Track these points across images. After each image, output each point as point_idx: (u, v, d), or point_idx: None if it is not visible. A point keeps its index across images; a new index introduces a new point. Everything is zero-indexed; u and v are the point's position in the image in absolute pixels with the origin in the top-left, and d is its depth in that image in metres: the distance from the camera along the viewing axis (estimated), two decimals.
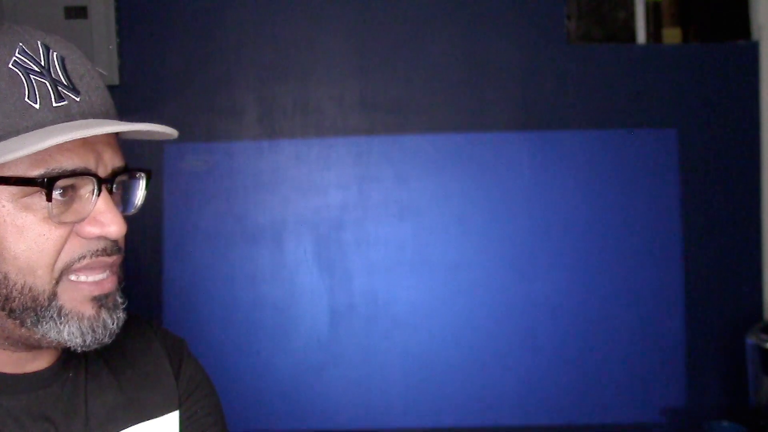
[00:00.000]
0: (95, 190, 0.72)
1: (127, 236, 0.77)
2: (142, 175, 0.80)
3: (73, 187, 0.72)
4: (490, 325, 2.38)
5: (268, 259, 2.36)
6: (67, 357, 0.82)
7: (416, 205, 2.37)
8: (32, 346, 0.76)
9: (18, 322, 0.72)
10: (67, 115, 0.71)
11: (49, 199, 0.69)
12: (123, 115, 0.79)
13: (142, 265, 2.30)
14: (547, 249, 2.37)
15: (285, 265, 2.36)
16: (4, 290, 0.71)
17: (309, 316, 2.37)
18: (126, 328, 0.86)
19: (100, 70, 0.78)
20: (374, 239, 2.37)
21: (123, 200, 0.80)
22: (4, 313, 0.72)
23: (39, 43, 0.72)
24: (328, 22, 2.35)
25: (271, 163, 2.36)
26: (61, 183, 0.70)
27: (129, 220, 0.78)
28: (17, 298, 0.71)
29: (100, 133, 0.69)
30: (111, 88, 0.80)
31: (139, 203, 0.81)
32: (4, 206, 0.69)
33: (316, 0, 2.35)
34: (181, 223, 2.32)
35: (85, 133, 0.67)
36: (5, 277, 0.71)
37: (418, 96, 2.36)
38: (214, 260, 2.35)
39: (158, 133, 0.75)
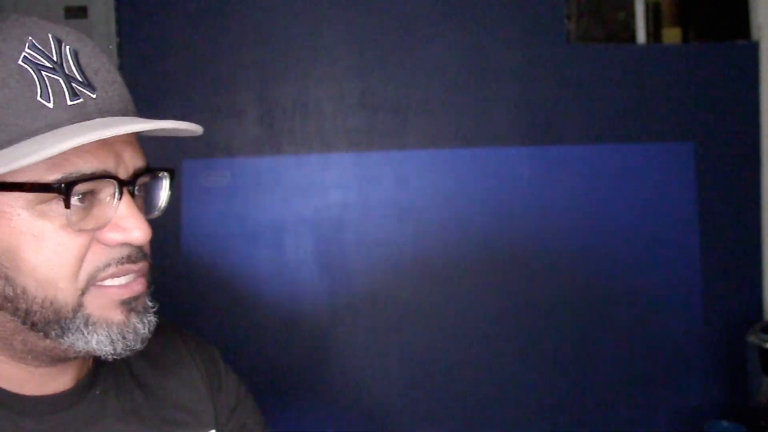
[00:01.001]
0: (116, 194, 0.66)
1: (151, 240, 0.71)
2: (165, 174, 0.74)
3: (92, 192, 0.66)
4: (489, 326, 2.38)
5: (268, 259, 2.36)
6: (94, 372, 0.77)
7: (416, 205, 2.37)
8: (57, 359, 0.71)
9: (41, 334, 0.67)
10: (83, 114, 0.65)
11: (67, 205, 0.63)
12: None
13: None
14: (547, 249, 2.37)
15: (285, 265, 2.36)
16: (24, 305, 0.65)
17: (309, 316, 2.37)
18: (156, 337, 0.80)
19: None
20: (374, 239, 2.37)
21: (145, 202, 0.74)
22: (26, 326, 0.66)
23: (50, 35, 0.66)
24: (328, 22, 2.35)
25: (271, 163, 2.36)
26: (79, 188, 0.64)
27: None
28: (39, 312, 0.66)
29: (122, 133, 0.63)
30: None
31: (163, 205, 0.75)
32: (19, 215, 0.64)
33: (316, 0, 2.35)
34: (180, 223, 2.32)
35: (104, 134, 0.61)
36: (24, 291, 0.65)
37: (418, 96, 2.36)
38: (214, 260, 2.35)
39: (181, 130, 0.70)
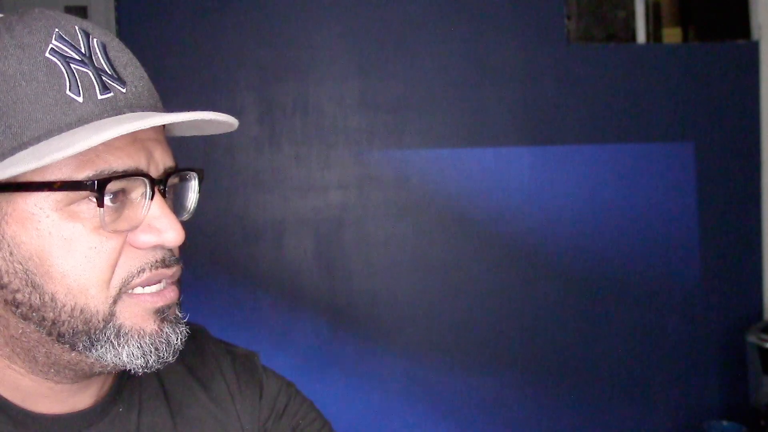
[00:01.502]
0: (148, 193, 0.62)
1: (184, 243, 0.67)
2: (194, 175, 0.70)
3: (123, 191, 0.62)
4: (489, 326, 2.38)
5: (268, 259, 2.36)
6: (116, 389, 0.72)
7: (416, 205, 2.37)
8: (81, 374, 0.66)
9: (67, 346, 0.62)
10: (113, 108, 0.61)
11: (100, 204, 0.59)
12: None
13: None
14: (547, 248, 2.37)
15: (285, 265, 2.36)
16: (51, 314, 0.61)
17: (309, 316, 2.37)
18: (193, 346, 0.75)
19: None
20: (374, 239, 2.37)
21: (175, 204, 0.70)
22: (51, 338, 0.62)
23: (77, 28, 0.62)
24: (328, 22, 2.35)
25: (271, 163, 2.36)
26: (112, 186, 0.60)
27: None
28: (66, 322, 0.61)
29: (160, 123, 0.59)
30: None
31: (193, 207, 0.70)
32: (48, 216, 0.59)
33: (316, 0, 2.35)
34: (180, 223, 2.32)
35: (140, 125, 0.57)
36: (52, 299, 0.60)
37: (418, 96, 2.36)
38: (214, 260, 2.35)
39: (213, 126, 0.66)
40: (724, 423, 2.27)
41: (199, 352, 0.82)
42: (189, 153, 2.30)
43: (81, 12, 2.25)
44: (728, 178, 2.39)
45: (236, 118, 0.68)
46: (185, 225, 0.66)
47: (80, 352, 0.62)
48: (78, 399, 0.69)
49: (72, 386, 0.67)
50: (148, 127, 0.58)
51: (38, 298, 0.61)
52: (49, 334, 0.61)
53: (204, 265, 2.35)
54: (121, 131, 0.56)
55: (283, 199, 2.37)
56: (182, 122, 0.63)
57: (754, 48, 2.39)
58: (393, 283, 2.37)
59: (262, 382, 0.85)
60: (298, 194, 2.37)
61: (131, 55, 0.66)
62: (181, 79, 2.33)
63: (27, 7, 0.65)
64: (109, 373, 0.68)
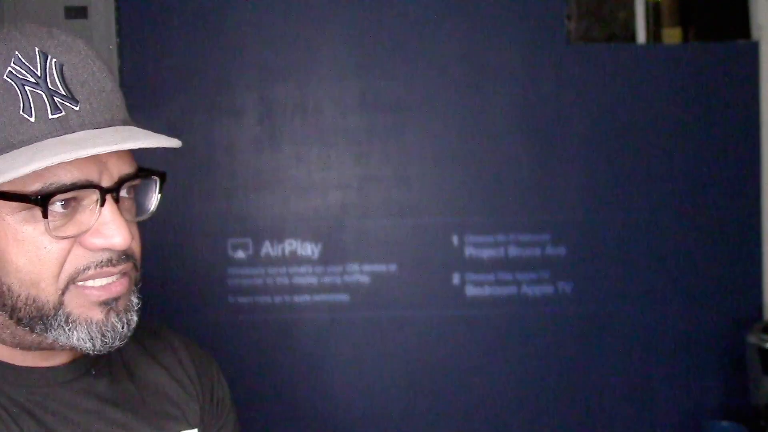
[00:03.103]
0: (99, 201, 0.69)
1: (141, 240, 0.75)
2: (156, 178, 0.77)
3: (75, 199, 0.69)
4: (489, 326, 2.38)
5: (268, 259, 2.36)
6: (88, 356, 0.79)
7: (416, 205, 2.37)
8: (46, 349, 0.75)
9: (27, 329, 0.71)
10: (64, 127, 0.67)
11: (44, 215, 0.67)
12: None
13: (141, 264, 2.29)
14: (546, 248, 2.37)
15: (285, 265, 2.36)
16: (10, 301, 0.70)
17: (309, 316, 2.37)
18: (154, 337, 0.86)
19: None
20: (374, 239, 2.37)
21: (137, 204, 0.77)
22: (13, 321, 0.71)
23: (36, 50, 0.68)
24: (328, 22, 2.35)
25: (271, 163, 2.36)
26: (60, 197, 0.68)
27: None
28: (23, 309, 0.70)
29: (92, 154, 0.65)
30: None
31: (152, 208, 0.77)
32: (4, 219, 0.68)
33: (316, 0, 2.35)
34: (181, 223, 2.32)
35: (70, 156, 0.64)
36: (9, 289, 0.70)
37: (418, 96, 2.36)
38: (214, 260, 2.35)
39: (159, 147, 0.71)
40: (724, 423, 2.27)
41: (165, 343, 0.91)
42: (189, 153, 2.30)
43: (81, 12, 2.25)
44: (728, 179, 2.39)
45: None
46: (145, 225, 0.74)
47: (39, 334, 0.71)
48: (54, 360, 0.77)
49: (43, 353, 0.76)
50: (81, 156, 0.64)
51: None
52: (11, 317, 0.71)
53: (203, 265, 2.35)
54: (54, 161, 0.63)
55: (283, 199, 2.37)
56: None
57: (754, 48, 2.38)
58: (393, 283, 2.37)
59: (214, 384, 0.93)
60: (298, 194, 2.37)
61: (96, 68, 0.71)
62: (181, 79, 2.33)
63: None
64: (70, 350, 0.76)
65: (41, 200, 0.66)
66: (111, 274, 0.72)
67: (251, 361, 2.34)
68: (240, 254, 2.35)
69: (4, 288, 0.70)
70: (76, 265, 0.70)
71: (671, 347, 2.39)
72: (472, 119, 2.37)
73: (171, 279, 2.31)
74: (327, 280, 2.36)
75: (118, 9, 2.29)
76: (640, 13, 2.42)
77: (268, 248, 2.36)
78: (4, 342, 0.74)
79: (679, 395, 2.39)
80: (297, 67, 2.35)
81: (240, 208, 2.36)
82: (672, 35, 2.44)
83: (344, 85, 2.36)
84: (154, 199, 0.77)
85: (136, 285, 0.76)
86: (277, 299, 2.36)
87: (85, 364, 0.80)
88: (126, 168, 0.72)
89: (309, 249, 2.36)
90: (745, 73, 2.38)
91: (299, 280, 2.36)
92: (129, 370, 0.85)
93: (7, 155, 0.66)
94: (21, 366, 0.75)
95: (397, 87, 2.36)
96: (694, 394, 2.39)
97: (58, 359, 0.78)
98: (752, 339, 2.16)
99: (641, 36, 2.42)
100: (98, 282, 0.72)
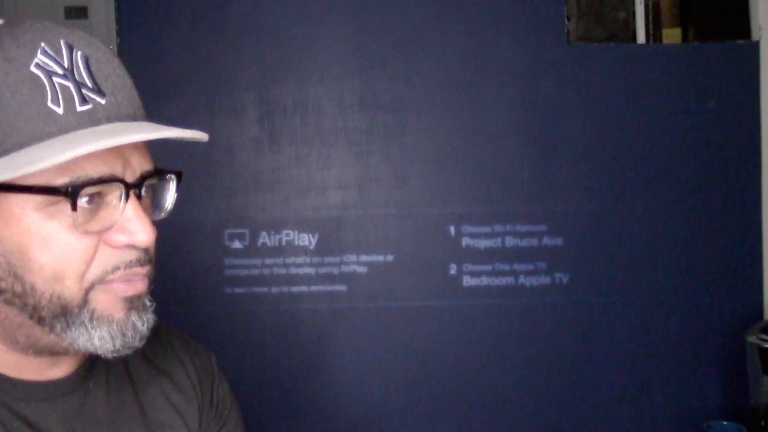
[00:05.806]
0: (123, 197, 0.69)
1: (156, 241, 0.74)
2: (173, 177, 0.77)
3: (99, 194, 0.68)
4: (489, 326, 2.38)
5: (268, 259, 2.36)
6: (89, 366, 0.80)
7: (416, 205, 2.37)
8: (57, 353, 0.73)
9: (47, 328, 0.69)
10: (92, 120, 0.67)
11: (74, 208, 0.65)
12: None
13: None
14: (544, 239, 2.37)
15: (285, 265, 2.36)
16: (32, 300, 0.68)
17: (309, 316, 2.37)
18: (154, 338, 0.84)
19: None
20: (374, 239, 2.37)
21: (153, 204, 0.77)
22: (33, 321, 0.69)
23: (62, 42, 0.67)
24: (328, 22, 2.35)
25: (271, 163, 2.36)
26: (87, 191, 0.66)
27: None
28: (47, 307, 0.68)
29: (127, 142, 0.65)
30: None
31: (170, 207, 0.78)
32: (28, 215, 0.66)
33: (316, 0, 2.35)
34: (181, 223, 2.32)
35: (110, 143, 0.63)
36: (32, 288, 0.67)
37: (418, 96, 2.36)
38: (214, 260, 2.35)
39: (187, 138, 0.73)
40: (724, 423, 2.27)
41: (165, 343, 0.90)
42: (189, 153, 2.30)
43: (81, 12, 2.25)
44: (728, 179, 2.39)
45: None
46: (159, 224, 0.72)
47: (57, 334, 0.69)
48: (56, 371, 0.77)
49: (49, 359, 0.75)
50: (116, 145, 0.64)
51: (20, 287, 0.68)
52: (31, 317, 0.69)
53: (203, 265, 2.35)
54: (90, 148, 0.62)
55: (283, 199, 2.37)
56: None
57: (754, 48, 2.38)
58: (393, 283, 2.37)
59: (215, 383, 0.94)
60: (298, 194, 2.37)
61: (116, 64, 0.71)
62: (181, 79, 2.33)
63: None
64: (81, 355, 0.76)
65: (72, 192, 0.65)
66: (138, 275, 0.71)
67: (248, 352, 2.34)
68: (237, 244, 2.35)
69: (27, 287, 0.68)
70: (104, 265, 0.69)
71: (671, 347, 2.39)
72: (472, 119, 2.37)
73: (166, 270, 2.31)
74: (324, 270, 2.36)
75: (118, 9, 2.29)
76: (640, 13, 2.42)
77: (264, 239, 2.36)
78: (14, 346, 0.72)
79: (679, 395, 2.39)
80: (297, 67, 2.35)
81: (240, 208, 2.36)
82: (672, 35, 2.44)
83: (344, 85, 2.36)
84: (170, 198, 0.78)
85: (150, 287, 0.75)
86: (274, 290, 2.36)
87: (83, 377, 0.79)
88: (147, 165, 0.72)
89: (306, 239, 2.36)
90: (745, 73, 2.38)
91: (296, 271, 2.36)
92: (130, 375, 0.84)
93: (36, 146, 0.64)
94: (22, 380, 0.74)
95: (397, 87, 2.36)
96: (694, 394, 2.39)
97: (58, 371, 0.77)
98: (752, 339, 2.16)
99: (641, 36, 2.42)
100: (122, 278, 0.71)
